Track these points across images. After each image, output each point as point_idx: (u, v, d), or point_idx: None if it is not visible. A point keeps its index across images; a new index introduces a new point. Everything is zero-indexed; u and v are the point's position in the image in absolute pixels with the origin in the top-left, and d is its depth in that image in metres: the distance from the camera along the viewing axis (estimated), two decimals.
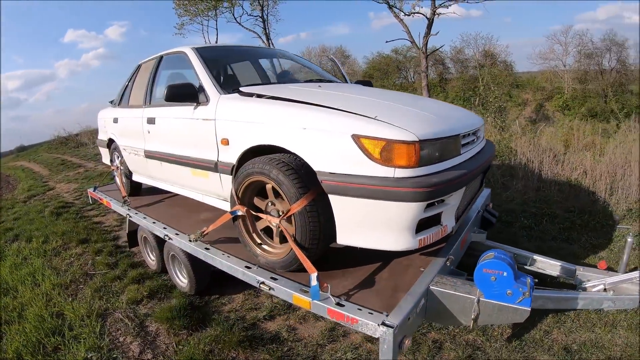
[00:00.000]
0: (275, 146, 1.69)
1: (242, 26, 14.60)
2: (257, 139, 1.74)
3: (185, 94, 2.10)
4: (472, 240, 2.36)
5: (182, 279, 2.79)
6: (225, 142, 1.94)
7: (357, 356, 1.95)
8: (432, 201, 1.48)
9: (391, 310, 1.41)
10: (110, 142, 3.67)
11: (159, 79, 2.94)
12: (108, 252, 3.53)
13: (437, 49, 13.53)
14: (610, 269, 2.14)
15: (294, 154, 1.62)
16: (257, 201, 1.84)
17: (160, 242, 2.84)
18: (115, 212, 4.70)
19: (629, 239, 1.87)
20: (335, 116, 1.54)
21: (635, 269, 2.14)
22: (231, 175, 1.97)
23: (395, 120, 1.50)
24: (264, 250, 1.85)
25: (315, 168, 1.53)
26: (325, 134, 1.51)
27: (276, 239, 1.81)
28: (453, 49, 18.12)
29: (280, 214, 1.72)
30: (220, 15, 15.04)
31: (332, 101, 1.72)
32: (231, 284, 2.78)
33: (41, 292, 2.87)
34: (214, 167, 2.07)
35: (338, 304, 1.47)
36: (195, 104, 2.17)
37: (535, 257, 2.25)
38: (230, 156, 1.93)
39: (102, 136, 3.86)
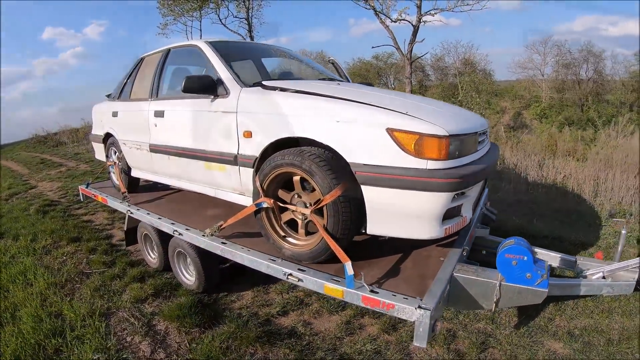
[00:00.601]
0: (303, 138, 1.72)
1: (227, 28, 14.50)
2: (286, 131, 1.76)
3: (204, 86, 2.09)
4: (476, 235, 2.49)
5: (188, 277, 2.73)
6: (248, 134, 1.95)
7: (377, 347, 2.00)
8: (460, 192, 1.56)
9: (424, 295, 1.48)
10: (107, 137, 3.55)
11: (166, 73, 2.90)
12: (103, 251, 3.39)
13: (422, 56, 13.99)
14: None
15: (325, 146, 1.66)
16: (281, 193, 1.86)
17: (164, 239, 2.78)
18: (105, 210, 4.57)
19: (623, 231, 2.04)
20: (369, 110, 1.60)
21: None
22: (252, 168, 1.98)
23: (424, 116, 1.58)
24: (289, 242, 1.86)
25: (349, 160, 1.58)
26: (360, 127, 1.56)
27: (301, 231, 1.83)
28: (433, 57, 18.77)
29: (308, 205, 1.74)
30: (206, 16, 14.88)
31: (359, 97, 1.77)
32: (238, 281, 2.77)
33: (35, 292, 2.72)
34: (234, 160, 2.07)
35: (372, 292, 1.51)
36: (212, 96, 2.16)
37: (536, 249, 2.38)
38: (253, 149, 1.94)
39: (98, 131, 3.72)
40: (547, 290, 1.55)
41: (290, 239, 1.87)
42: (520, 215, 3.68)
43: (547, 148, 4.96)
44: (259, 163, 1.94)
